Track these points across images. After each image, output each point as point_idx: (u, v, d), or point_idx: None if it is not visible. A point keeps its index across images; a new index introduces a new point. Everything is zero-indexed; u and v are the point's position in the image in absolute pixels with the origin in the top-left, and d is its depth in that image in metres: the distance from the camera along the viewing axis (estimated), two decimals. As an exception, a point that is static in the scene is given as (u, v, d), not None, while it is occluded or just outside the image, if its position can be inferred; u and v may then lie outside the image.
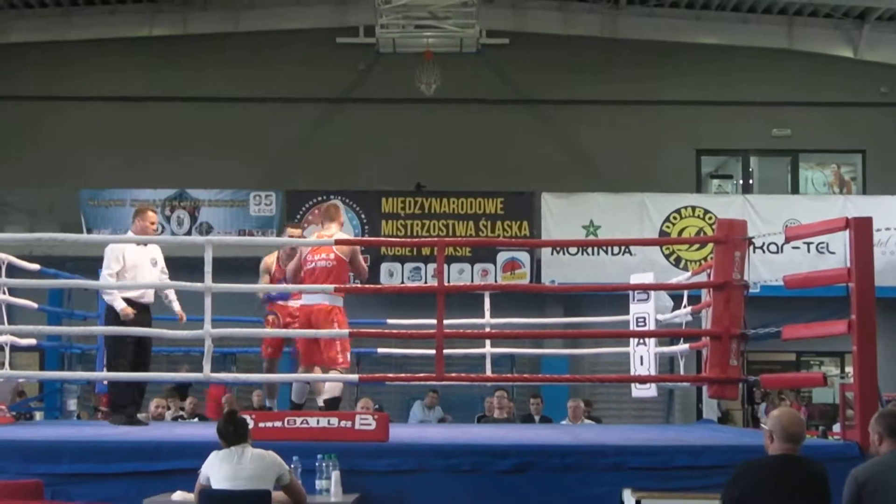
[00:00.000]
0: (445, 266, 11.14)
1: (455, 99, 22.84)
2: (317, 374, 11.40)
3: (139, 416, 12.17)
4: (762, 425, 12.63)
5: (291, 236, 12.91)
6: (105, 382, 12.31)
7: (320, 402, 11.30)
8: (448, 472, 8.62)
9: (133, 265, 11.28)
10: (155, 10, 23.37)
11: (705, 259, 17.09)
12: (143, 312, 11.30)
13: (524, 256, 20.42)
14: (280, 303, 12.45)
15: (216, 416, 16.12)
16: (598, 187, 21.27)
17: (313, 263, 11.18)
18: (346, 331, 10.84)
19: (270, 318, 12.54)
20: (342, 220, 11.95)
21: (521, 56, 23.36)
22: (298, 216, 20.47)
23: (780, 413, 7.12)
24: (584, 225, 20.27)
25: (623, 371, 13.41)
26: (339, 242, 11.17)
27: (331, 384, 11.23)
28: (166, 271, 11.60)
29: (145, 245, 11.45)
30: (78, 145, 22.78)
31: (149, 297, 11.47)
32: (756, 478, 6.79)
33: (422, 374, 11.70)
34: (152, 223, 11.61)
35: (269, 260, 12.67)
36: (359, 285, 11.49)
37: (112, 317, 11.21)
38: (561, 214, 20.42)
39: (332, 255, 11.17)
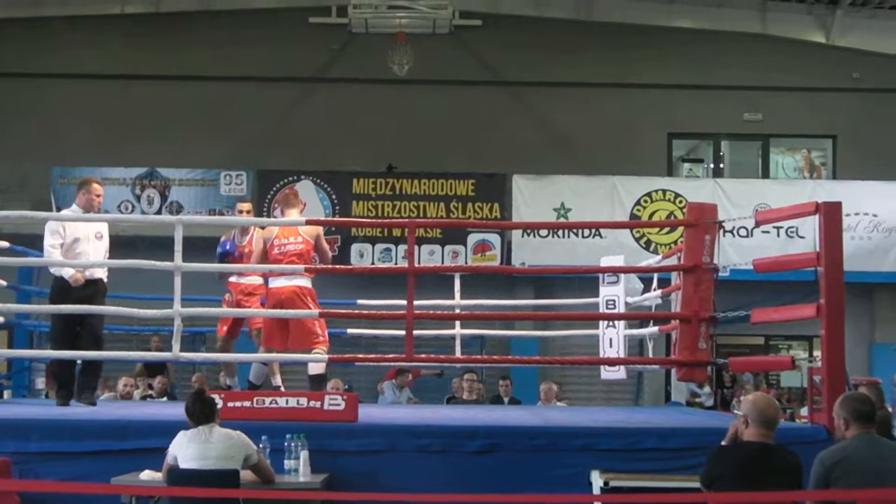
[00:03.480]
0: (416, 247, 11.20)
1: (427, 80, 22.79)
2: (283, 355, 11.48)
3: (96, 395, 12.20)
4: (734, 411, 12.70)
5: (241, 210, 12.90)
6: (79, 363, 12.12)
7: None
8: (417, 452, 8.66)
9: (74, 238, 11.13)
10: (127, -12, 23.27)
11: (675, 242, 17.14)
12: (88, 287, 11.10)
13: (495, 238, 20.42)
14: (233, 280, 12.55)
15: None
16: (570, 170, 21.27)
17: (282, 247, 11.25)
18: (316, 311, 10.89)
19: (226, 296, 12.64)
20: (302, 206, 11.98)
21: (494, 38, 23.31)
22: (269, 196, 20.43)
23: (756, 398, 7.16)
24: (555, 207, 20.26)
25: (592, 353, 13.45)
26: (310, 222, 11.22)
27: (314, 363, 11.31)
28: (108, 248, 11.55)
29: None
30: (49, 123, 22.64)
31: (94, 271, 11.26)
32: (729, 465, 6.82)
33: (391, 356, 11.72)
34: (98, 195, 11.43)
35: (225, 238, 12.74)
36: (329, 266, 11.50)
37: (57, 289, 11.07)
38: (532, 196, 20.40)
39: (300, 239, 11.30)
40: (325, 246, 11.69)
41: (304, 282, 11.18)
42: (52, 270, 11.26)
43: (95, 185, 11.40)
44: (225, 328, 12.68)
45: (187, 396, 8.37)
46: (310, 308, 11.09)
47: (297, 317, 10.97)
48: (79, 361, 11.39)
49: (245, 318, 12.50)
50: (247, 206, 13.18)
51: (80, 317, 11.04)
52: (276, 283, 11.24)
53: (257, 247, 11.58)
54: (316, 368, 11.44)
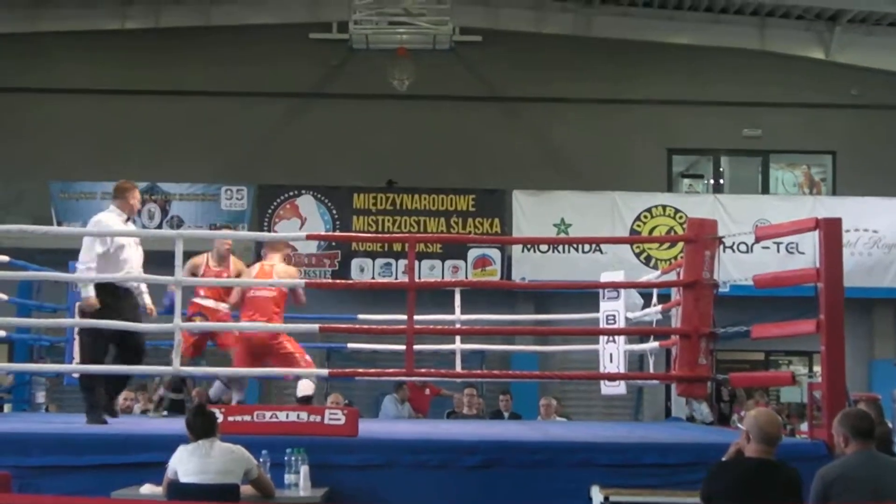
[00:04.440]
0: (416, 262, 11.25)
1: (428, 96, 22.83)
2: (278, 370, 11.69)
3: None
4: (738, 425, 12.69)
5: (225, 245, 12.84)
6: (75, 376, 11.79)
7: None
8: (417, 467, 8.65)
9: (120, 244, 10.64)
10: (126, 3, 23.24)
11: (675, 258, 17.12)
12: (126, 298, 10.73)
13: (495, 253, 20.44)
14: (210, 305, 12.57)
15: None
16: (570, 185, 21.28)
17: (254, 293, 11.50)
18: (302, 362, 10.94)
19: (197, 318, 12.56)
20: (287, 252, 12.13)
21: (494, 53, 23.36)
22: (269, 211, 20.47)
23: (758, 413, 7.16)
24: (556, 223, 20.27)
25: (592, 368, 13.44)
26: (310, 237, 11.34)
27: (304, 383, 11.49)
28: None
29: (133, 222, 11.16)
30: (49, 137, 22.64)
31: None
32: (729, 481, 6.82)
33: (392, 370, 11.75)
34: (138, 199, 11.10)
35: (198, 261, 12.66)
36: (330, 280, 11.58)
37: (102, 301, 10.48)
38: (532, 212, 20.42)
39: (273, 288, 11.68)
40: (301, 292, 11.92)
41: (273, 327, 11.52)
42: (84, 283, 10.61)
43: (137, 191, 11.04)
44: (192, 349, 12.54)
45: (188, 411, 8.39)
46: (286, 345, 11.59)
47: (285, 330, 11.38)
48: (76, 375, 11.23)
49: (210, 339, 12.65)
50: (228, 243, 13.12)
51: (120, 333, 10.54)
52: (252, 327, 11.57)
53: (236, 293, 11.87)
54: (304, 390, 11.74)
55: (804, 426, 12.64)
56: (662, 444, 9.17)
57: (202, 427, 7.90)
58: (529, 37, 23.37)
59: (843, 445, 7.00)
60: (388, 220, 20.54)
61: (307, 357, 11.74)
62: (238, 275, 12.50)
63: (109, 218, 10.87)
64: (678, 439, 9.93)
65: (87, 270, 10.46)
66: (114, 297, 10.57)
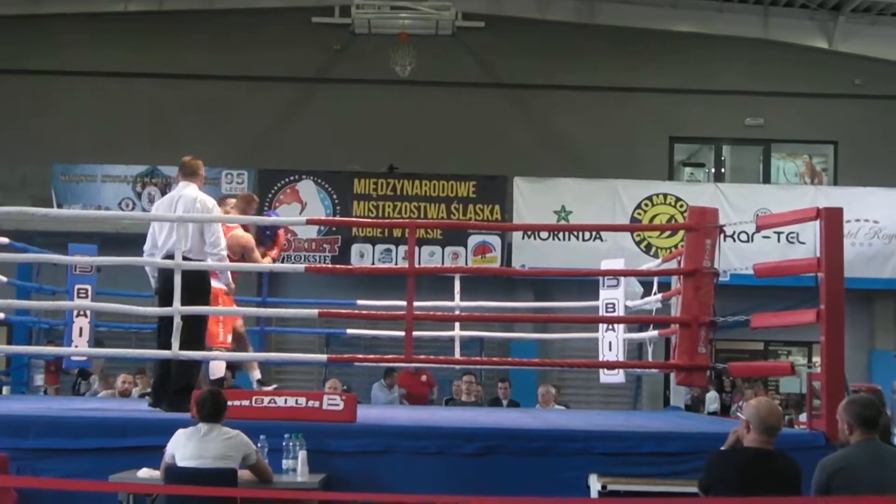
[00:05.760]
0: (416, 248, 11.22)
1: (429, 81, 22.80)
2: (283, 355, 11.61)
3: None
4: (738, 414, 12.68)
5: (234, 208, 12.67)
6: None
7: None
8: (415, 453, 8.64)
9: None
10: (130, -14, 23.27)
11: (676, 246, 17.11)
12: None
13: (495, 240, 20.42)
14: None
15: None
16: (571, 173, 21.27)
17: None
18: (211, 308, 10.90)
19: None
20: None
21: (496, 40, 23.33)
22: (270, 195, 20.44)
23: (759, 403, 7.14)
24: (556, 210, 20.25)
25: (592, 357, 13.43)
26: (311, 221, 11.27)
27: (214, 365, 11.42)
28: None
29: None
30: (50, 120, 22.59)
31: None
32: (727, 470, 6.81)
33: (391, 356, 11.72)
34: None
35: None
36: (330, 265, 11.54)
37: (201, 290, 10.40)
38: (533, 199, 20.39)
39: None
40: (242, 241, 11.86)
41: (217, 283, 11.28)
42: (217, 272, 10.76)
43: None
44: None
45: (204, 390, 8.41)
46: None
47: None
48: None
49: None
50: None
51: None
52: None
53: None
54: (217, 372, 11.54)
55: (803, 416, 12.64)
56: (661, 432, 9.16)
57: (209, 411, 7.87)
58: (532, 23, 23.34)
59: (847, 433, 6.95)
60: (389, 206, 20.52)
61: (228, 336, 11.70)
62: None
63: (207, 196, 10.95)
64: (677, 428, 9.93)
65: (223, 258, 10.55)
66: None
